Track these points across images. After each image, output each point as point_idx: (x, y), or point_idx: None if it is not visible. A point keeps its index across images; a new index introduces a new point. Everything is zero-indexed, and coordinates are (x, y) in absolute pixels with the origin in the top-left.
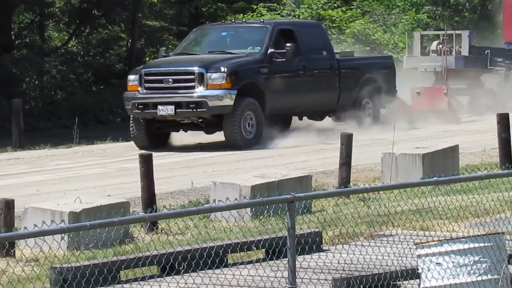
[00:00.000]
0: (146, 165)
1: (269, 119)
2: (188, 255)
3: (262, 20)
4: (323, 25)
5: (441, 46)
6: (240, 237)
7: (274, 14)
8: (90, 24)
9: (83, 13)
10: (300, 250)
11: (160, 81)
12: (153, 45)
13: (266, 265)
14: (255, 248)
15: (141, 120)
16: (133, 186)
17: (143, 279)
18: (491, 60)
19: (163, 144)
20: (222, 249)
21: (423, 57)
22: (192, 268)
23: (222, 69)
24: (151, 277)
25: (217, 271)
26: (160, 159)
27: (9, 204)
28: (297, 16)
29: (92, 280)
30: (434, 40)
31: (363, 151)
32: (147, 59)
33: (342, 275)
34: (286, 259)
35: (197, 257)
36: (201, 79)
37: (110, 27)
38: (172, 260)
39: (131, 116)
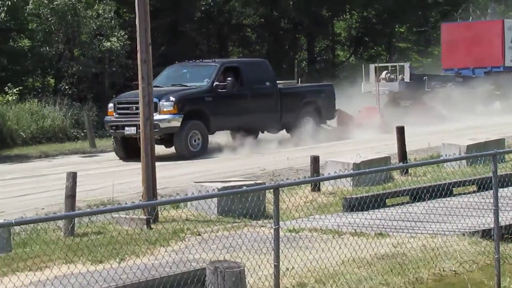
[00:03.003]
0: (400, 134)
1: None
2: (430, 189)
3: (214, 60)
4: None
5: (388, 75)
6: (461, 177)
7: None
8: (363, 46)
9: (359, 39)
10: (500, 185)
11: (127, 108)
12: (403, 60)
13: (479, 195)
14: (470, 184)
15: (119, 138)
16: (392, 146)
17: (402, 204)
18: (429, 84)
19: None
20: (451, 185)
21: (376, 83)
22: (432, 197)
23: (171, 98)
24: (406, 203)
25: (448, 198)
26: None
27: (315, 158)
28: None
29: (370, 205)
30: (385, 70)
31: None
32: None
33: None
34: (491, 191)
35: (435, 190)
36: (156, 106)
37: (375, 48)
38: (419, 192)
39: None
